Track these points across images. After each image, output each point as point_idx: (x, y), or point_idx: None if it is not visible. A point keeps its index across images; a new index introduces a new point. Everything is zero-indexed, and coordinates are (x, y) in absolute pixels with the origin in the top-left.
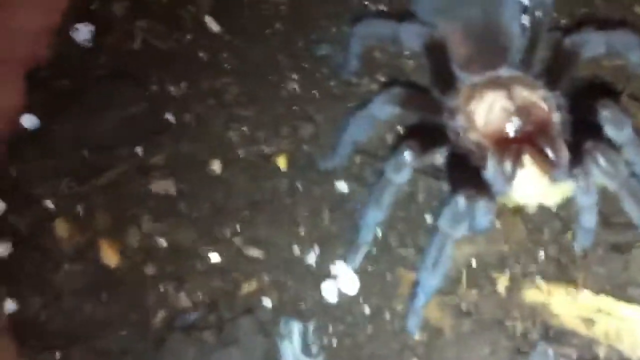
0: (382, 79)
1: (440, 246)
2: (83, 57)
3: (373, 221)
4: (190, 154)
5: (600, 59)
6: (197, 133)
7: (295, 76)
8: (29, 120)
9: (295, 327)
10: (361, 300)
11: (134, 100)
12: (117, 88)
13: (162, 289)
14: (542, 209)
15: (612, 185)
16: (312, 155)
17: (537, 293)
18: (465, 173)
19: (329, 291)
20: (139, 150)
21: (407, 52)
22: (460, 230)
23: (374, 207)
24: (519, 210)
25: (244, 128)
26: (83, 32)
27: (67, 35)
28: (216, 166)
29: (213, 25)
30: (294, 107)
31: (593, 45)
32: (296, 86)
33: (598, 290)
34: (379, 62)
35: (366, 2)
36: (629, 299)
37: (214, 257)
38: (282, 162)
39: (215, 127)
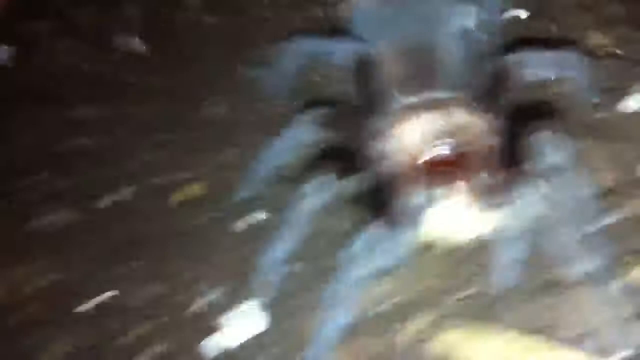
0: None
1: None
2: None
3: (282, 251)
4: (101, 180)
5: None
6: (113, 158)
7: (226, 99)
8: None
9: None
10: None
11: (52, 123)
12: (35, 110)
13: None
14: (456, 248)
15: (547, 213)
16: (231, 183)
17: (451, 339)
18: (384, 201)
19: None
20: (45, 175)
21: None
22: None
23: (285, 236)
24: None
25: (163, 153)
26: (2, 52)
27: None
28: (127, 193)
29: (142, 47)
30: (220, 131)
31: (534, 65)
32: (226, 110)
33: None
34: (313, 85)
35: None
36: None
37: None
38: (197, 190)
39: (135, 151)
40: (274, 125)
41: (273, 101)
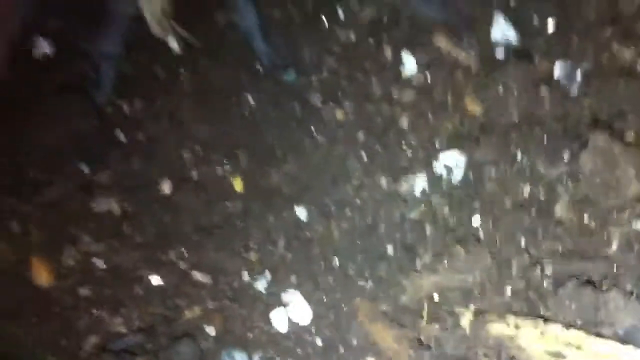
0: (350, 105)
1: None
2: (33, 70)
3: None
4: (139, 173)
5: None
6: (148, 152)
7: (255, 98)
8: None
9: (239, 358)
10: (313, 331)
11: (83, 116)
12: (66, 103)
13: (96, 313)
14: (509, 241)
15: None
16: (268, 178)
17: (504, 327)
18: None
19: (279, 320)
20: (84, 167)
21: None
22: None
23: None
24: None
25: (198, 148)
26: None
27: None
28: (166, 187)
29: (174, 45)
30: (251, 129)
31: None
32: (256, 108)
33: (568, 325)
34: (344, 87)
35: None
36: (601, 335)
37: (155, 281)
38: (237, 185)
39: (169, 146)
40: (308, 125)
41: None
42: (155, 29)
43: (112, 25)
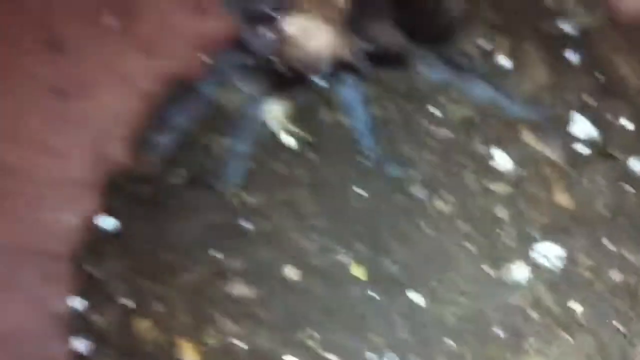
0: (451, 198)
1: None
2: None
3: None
4: (267, 260)
5: None
6: (274, 241)
7: (365, 191)
8: (106, 222)
9: None
10: None
11: (213, 208)
12: (196, 196)
13: None
14: (606, 324)
15: None
16: (384, 266)
17: None
18: None
19: None
20: (217, 254)
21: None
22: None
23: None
24: None
25: (319, 238)
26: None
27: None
28: (292, 273)
29: (291, 142)
30: (364, 220)
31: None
32: (367, 201)
33: None
34: (444, 181)
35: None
36: None
37: None
38: (356, 271)
39: (291, 235)
40: (414, 218)
41: (410, 196)
42: (275, 129)
43: (245, 127)
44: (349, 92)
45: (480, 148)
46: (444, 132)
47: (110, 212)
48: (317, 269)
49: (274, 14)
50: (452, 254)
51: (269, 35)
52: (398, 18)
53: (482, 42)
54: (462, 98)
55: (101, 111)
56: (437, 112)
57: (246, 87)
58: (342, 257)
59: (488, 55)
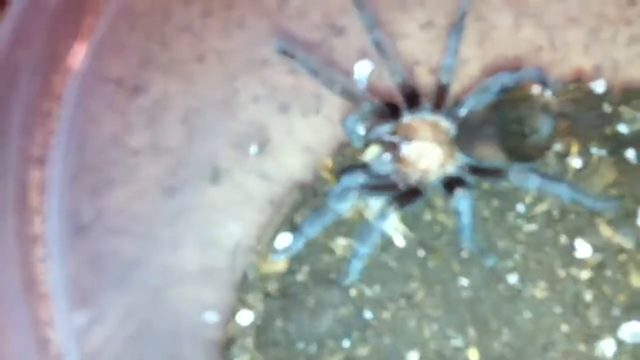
0: (543, 284)
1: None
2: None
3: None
4: (391, 347)
5: None
6: (395, 329)
7: (468, 281)
8: (244, 317)
9: None
10: None
11: (339, 302)
12: (323, 292)
13: None
14: None
15: None
16: (494, 348)
17: None
18: None
19: None
20: (346, 343)
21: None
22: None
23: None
24: None
25: (434, 325)
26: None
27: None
28: (414, 358)
29: (399, 241)
30: (471, 308)
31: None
32: (470, 290)
33: None
34: (535, 269)
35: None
36: None
37: None
38: (471, 354)
39: (409, 324)
40: (515, 305)
41: (509, 284)
42: (389, 231)
43: (370, 234)
44: (461, 200)
45: (563, 239)
46: (530, 227)
47: (246, 307)
48: (437, 353)
49: (392, 139)
50: (550, 334)
51: (389, 157)
52: (501, 141)
53: (557, 147)
54: (542, 196)
55: None
56: (523, 209)
57: (372, 201)
58: (457, 342)
59: (561, 157)
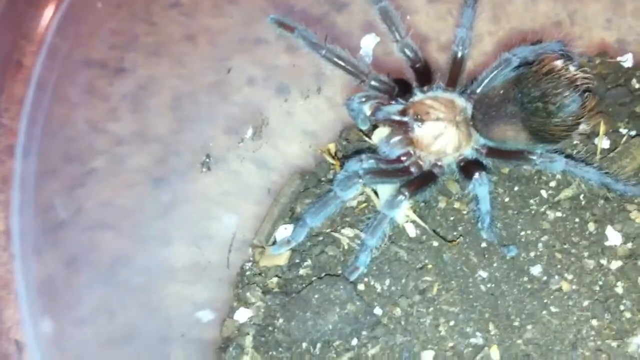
0: (570, 276)
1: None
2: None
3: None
4: (404, 346)
5: None
6: (408, 326)
7: (488, 274)
8: (241, 315)
9: None
10: None
11: (346, 298)
12: (328, 287)
13: None
14: None
15: None
16: (517, 346)
17: None
18: None
19: None
20: (354, 342)
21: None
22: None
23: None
24: None
25: (452, 322)
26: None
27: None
28: (430, 357)
29: (411, 231)
30: (492, 302)
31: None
32: (490, 283)
33: None
34: (561, 260)
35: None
36: None
37: None
38: (492, 352)
39: (423, 320)
40: (541, 298)
41: (531, 277)
42: (399, 220)
43: (379, 225)
44: (480, 186)
45: (590, 226)
46: (555, 214)
47: (244, 304)
48: (454, 352)
49: (403, 119)
50: (578, 330)
51: (399, 139)
52: (523, 120)
53: (583, 127)
54: (566, 180)
55: None
56: (546, 195)
57: (381, 188)
58: (476, 339)
59: (588, 138)
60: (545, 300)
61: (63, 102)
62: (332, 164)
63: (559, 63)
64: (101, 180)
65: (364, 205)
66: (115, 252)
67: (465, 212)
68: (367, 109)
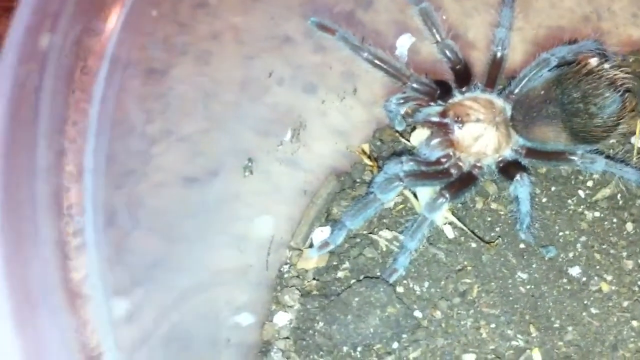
0: (609, 277)
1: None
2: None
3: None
4: (445, 349)
5: None
6: (448, 329)
7: (527, 275)
8: (281, 318)
9: None
10: None
11: (386, 300)
12: (368, 289)
13: None
14: None
15: None
16: (558, 348)
17: None
18: None
19: None
20: (395, 345)
21: None
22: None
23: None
24: None
25: (492, 325)
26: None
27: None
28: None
29: (449, 232)
30: (532, 304)
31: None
32: (530, 284)
33: None
34: (599, 261)
35: None
36: None
37: None
38: (534, 355)
39: (464, 323)
40: (581, 300)
41: (570, 277)
42: (438, 222)
43: (419, 227)
44: (521, 187)
45: (629, 226)
46: (593, 214)
47: (282, 307)
48: (495, 355)
49: (443, 121)
50: (619, 331)
51: (437, 140)
52: (564, 121)
53: (623, 127)
54: (604, 180)
55: None
56: (583, 195)
57: (420, 190)
58: (517, 342)
59: (625, 137)
60: (585, 302)
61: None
62: (370, 165)
63: (593, 62)
64: (138, 181)
65: (401, 206)
66: (155, 252)
67: (502, 213)
68: (405, 111)
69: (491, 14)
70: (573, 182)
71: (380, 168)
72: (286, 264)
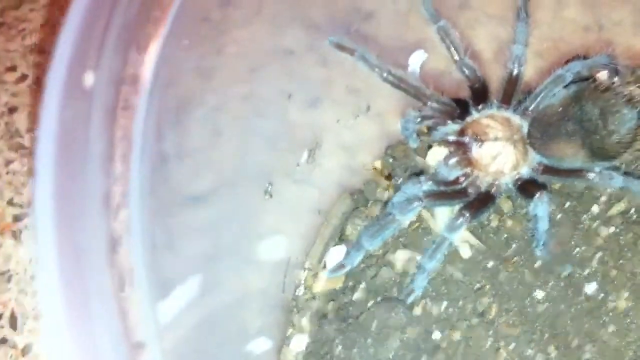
0: (626, 293)
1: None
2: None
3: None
4: None
5: None
6: (467, 351)
7: (542, 293)
8: (298, 343)
9: None
10: None
11: (404, 322)
12: (386, 311)
13: None
14: None
15: None
16: None
17: None
18: None
19: None
20: None
21: None
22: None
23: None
24: None
25: (512, 345)
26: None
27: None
28: None
29: (465, 252)
30: (550, 323)
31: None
32: (547, 302)
33: None
34: (616, 277)
35: None
36: None
37: None
38: None
39: (482, 344)
40: (599, 319)
41: (586, 295)
42: (455, 241)
43: (438, 248)
44: (541, 205)
45: None
46: (608, 230)
47: (299, 330)
48: None
49: (462, 140)
50: (638, 348)
51: (456, 159)
52: (583, 138)
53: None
54: (617, 194)
55: None
56: (598, 210)
57: (438, 210)
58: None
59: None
60: (603, 319)
61: None
62: (387, 184)
63: (603, 76)
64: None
65: (416, 225)
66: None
67: (518, 230)
68: (422, 129)
69: (493, 25)
70: (587, 198)
71: (395, 186)
72: (301, 285)
